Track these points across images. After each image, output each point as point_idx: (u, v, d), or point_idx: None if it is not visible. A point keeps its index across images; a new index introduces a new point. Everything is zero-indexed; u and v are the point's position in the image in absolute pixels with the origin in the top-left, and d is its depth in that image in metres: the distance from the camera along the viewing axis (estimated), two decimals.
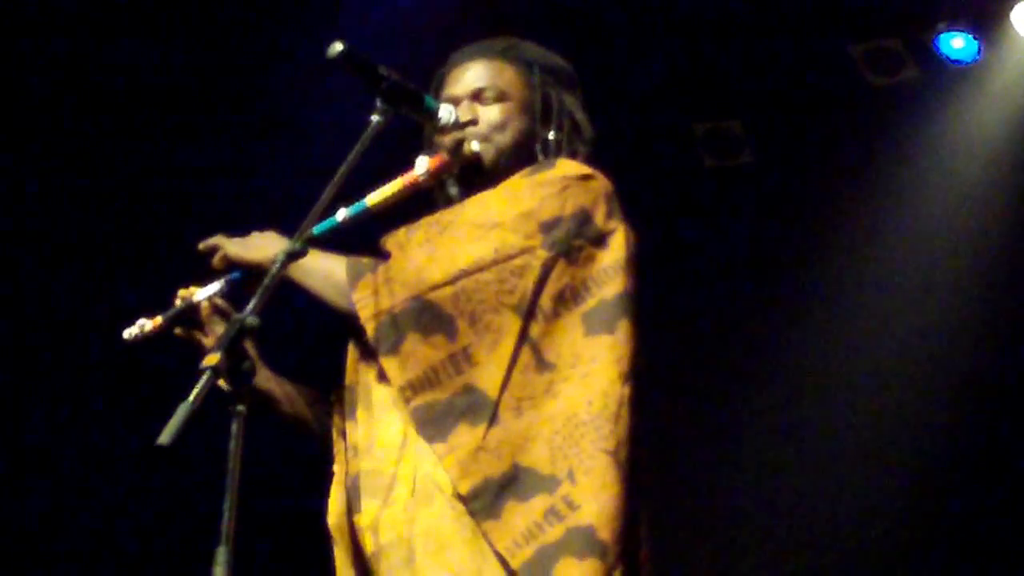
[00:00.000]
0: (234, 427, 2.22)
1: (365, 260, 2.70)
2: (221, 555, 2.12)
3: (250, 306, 2.36)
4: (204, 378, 2.20)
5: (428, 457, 2.61)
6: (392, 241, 2.76)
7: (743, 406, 6.24)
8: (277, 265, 2.46)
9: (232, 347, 2.27)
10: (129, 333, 2.86)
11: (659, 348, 2.78)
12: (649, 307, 2.77)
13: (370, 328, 2.63)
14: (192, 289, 2.89)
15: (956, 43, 5.77)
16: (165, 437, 2.09)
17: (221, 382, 2.40)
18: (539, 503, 2.55)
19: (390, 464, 2.64)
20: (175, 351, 2.90)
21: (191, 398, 2.15)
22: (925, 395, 5.96)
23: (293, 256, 2.50)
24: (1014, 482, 5.83)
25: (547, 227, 2.70)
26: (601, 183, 2.80)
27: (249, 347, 2.80)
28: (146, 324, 2.86)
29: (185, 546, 3.94)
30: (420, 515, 2.59)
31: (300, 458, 2.99)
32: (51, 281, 5.84)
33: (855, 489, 6.05)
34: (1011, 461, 5.85)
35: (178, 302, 2.89)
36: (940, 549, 5.90)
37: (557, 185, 2.75)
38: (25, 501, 5.82)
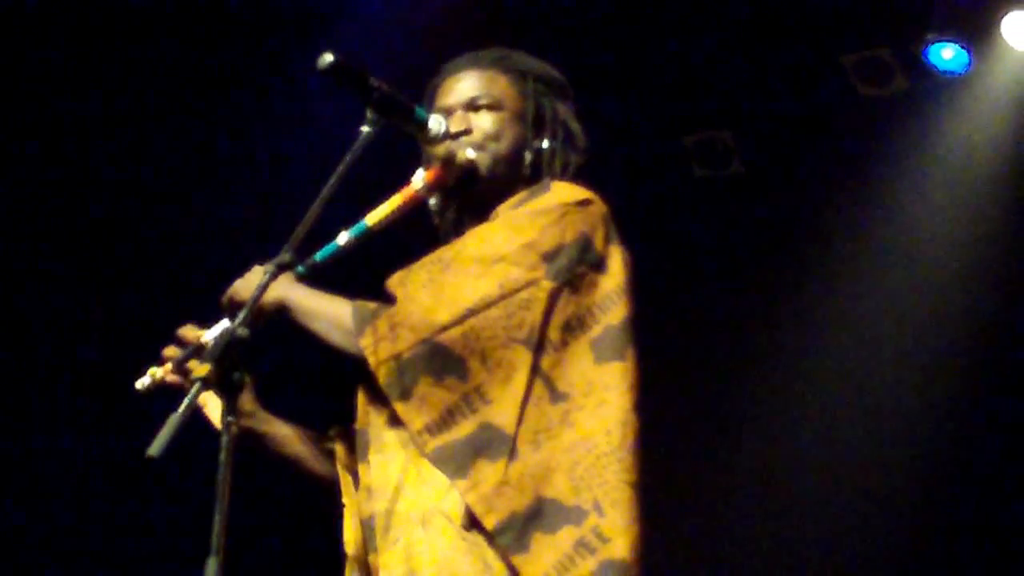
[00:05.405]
0: (224, 438, 2.23)
1: (371, 305, 2.69)
2: (212, 565, 2.12)
3: (239, 318, 2.37)
4: (194, 389, 2.20)
5: (436, 489, 2.62)
6: (396, 283, 2.74)
7: (738, 413, 6.25)
8: (267, 276, 2.47)
9: (222, 358, 2.27)
10: (141, 384, 2.84)
11: (651, 358, 2.78)
12: (642, 316, 2.77)
13: (380, 374, 2.62)
14: (192, 328, 2.87)
15: (946, 53, 5.77)
16: (155, 449, 2.09)
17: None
18: (567, 535, 2.56)
19: (401, 503, 2.65)
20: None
21: (181, 409, 2.15)
22: (917, 400, 5.97)
23: (283, 268, 2.50)
24: (1015, 481, 5.84)
25: (549, 257, 2.70)
26: (598, 207, 2.80)
27: (249, 393, 2.84)
28: (157, 372, 2.84)
29: (176, 557, 3.94)
30: (432, 547, 2.59)
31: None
32: (44, 289, 5.84)
33: (853, 490, 6.05)
34: (1012, 461, 5.86)
35: (168, 351, 2.86)
36: (941, 548, 5.91)
37: (556, 213, 2.75)
38: (18, 514, 5.81)
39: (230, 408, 2.27)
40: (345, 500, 2.81)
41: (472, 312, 2.63)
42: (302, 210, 2.52)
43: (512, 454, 2.59)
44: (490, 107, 2.91)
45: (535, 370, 2.64)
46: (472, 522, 2.58)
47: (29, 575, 5.80)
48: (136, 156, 5.76)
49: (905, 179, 6.00)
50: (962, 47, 5.75)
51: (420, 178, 2.87)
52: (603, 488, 2.60)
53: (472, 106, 2.91)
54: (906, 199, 6.02)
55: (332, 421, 2.93)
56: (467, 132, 2.87)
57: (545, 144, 2.94)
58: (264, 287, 2.47)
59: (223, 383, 2.28)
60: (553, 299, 2.68)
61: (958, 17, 5.72)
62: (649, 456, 2.69)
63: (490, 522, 2.56)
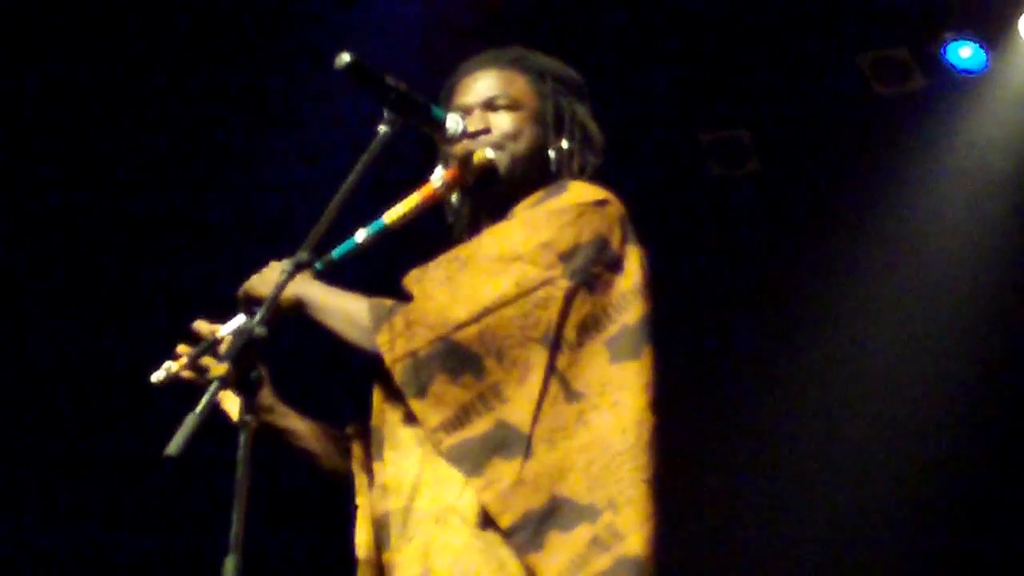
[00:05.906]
0: (242, 437, 2.24)
1: (387, 302, 2.69)
2: (230, 563, 2.13)
3: (258, 316, 2.37)
4: (212, 388, 2.21)
5: (451, 488, 2.62)
6: (412, 280, 2.75)
7: (750, 413, 6.25)
8: (284, 275, 2.48)
9: (240, 357, 2.28)
10: (157, 377, 2.83)
11: (664, 358, 2.78)
12: (656, 316, 2.77)
13: (396, 372, 2.62)
14: (206, 323, 2.88)
15: (964, 52, 5.77)
16: (173, 447, 2.10)
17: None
18: (582, 533, 2.57)
19: (418, 501, 2.65)
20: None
21: (199, 408, 2.15)
22: (929, 400, 5.97)
23: (300, 266, 2.51)
24: (1017, 485, 5.84)
25: (566, 256, 2.70)
26: (615, 207, 2.80)
27: (267, 387, 2.85)
28: (172, 366, 2.83)
29: (195, 555, 3.95)
30: (447, 545, 2.60)
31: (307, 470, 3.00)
32: (59, 284, 5.85)
33: (863, 490, 6.05)
34: (1015, 465, 5.85)
35: (179, 352, 2.87)
36: (941, 552, 5.91)
37: (573, 212, 2.75)
38: (34, 511, 5.83)
39: (248, 407, 2.28)
40: (359, 501, 2.81)
41: (489, 310, 2.64)
42: (320, 208, 2.53)
43: (527, 453, 2.59)
44: (509, 107, 2.91)
45: (551, 369, 2.64)
46: (487, 521, 2.58)
47: (44, 575, 5.82)
48: (152, 150, 5.76)
49: (922, 178, 5.99)
50: (979, 46, 5.75)
51: (439, 177, 2.87)
52: (618, 486, 2.60)
53: (490, 106, 2.91)
54: (923, 198, 6.01)
55: (350, 417, 2.94)
56: (486, 131, 2.87)
57: (564, 145, 2.93)
58: (283, 285, 2.48)
59: (241, 382, 2.28)
60: (570, 298, 2.68)
61: (975, 16, 5.72)
62: (664, 455, 2.69)
63: (505, 521, 2.56)
